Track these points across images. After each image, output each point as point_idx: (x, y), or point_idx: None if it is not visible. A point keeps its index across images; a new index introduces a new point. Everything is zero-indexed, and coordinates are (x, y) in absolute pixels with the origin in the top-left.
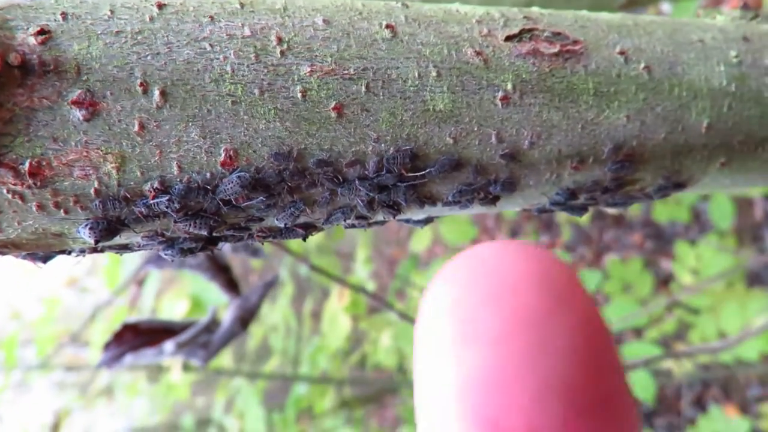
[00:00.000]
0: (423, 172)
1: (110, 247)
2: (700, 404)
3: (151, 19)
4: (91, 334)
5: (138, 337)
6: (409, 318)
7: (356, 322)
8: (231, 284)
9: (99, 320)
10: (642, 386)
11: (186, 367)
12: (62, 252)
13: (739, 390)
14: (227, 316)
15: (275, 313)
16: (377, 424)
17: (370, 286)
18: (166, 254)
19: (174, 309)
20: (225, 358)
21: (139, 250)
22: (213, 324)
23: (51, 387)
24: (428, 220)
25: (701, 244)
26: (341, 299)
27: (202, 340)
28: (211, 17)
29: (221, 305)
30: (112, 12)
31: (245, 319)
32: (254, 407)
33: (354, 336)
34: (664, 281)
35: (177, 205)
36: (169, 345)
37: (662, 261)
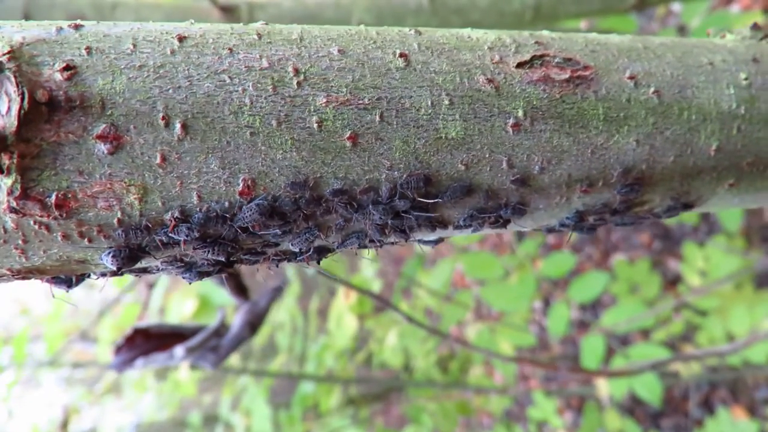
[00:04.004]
0: (435, 200)
1: (130, 271)
2: (708, 406)
3: (173, 52)
4: (99, 331)
5: (149, 341)
6: (414, 320)
7: (362, 320)
8: (240, 289)
9: (107, 317)
10: (649, 388)
11: (194, 366)
12: (83, 276)
13: (747, 392)
14: (236, 320)
15: (282, 311)
16: (383, 423)
17: (376, 284)
18: (184, 277)
19: (182, 308)
20: (232, 356)
21: (157, 272)
22: (222, 328)
23: (60, 382)
24: (439, 241)
25: (709, 246)
26: (347, 298)
27: (212, 344)
28: (230, 49)
29: (229, 305)
30: (134, 46)
31: (254, 323)
32: (261, 406)
33: (360, 334)
34: (672, 282)
35: (196, 234)
36: (179, 350)
37: (670, 261)
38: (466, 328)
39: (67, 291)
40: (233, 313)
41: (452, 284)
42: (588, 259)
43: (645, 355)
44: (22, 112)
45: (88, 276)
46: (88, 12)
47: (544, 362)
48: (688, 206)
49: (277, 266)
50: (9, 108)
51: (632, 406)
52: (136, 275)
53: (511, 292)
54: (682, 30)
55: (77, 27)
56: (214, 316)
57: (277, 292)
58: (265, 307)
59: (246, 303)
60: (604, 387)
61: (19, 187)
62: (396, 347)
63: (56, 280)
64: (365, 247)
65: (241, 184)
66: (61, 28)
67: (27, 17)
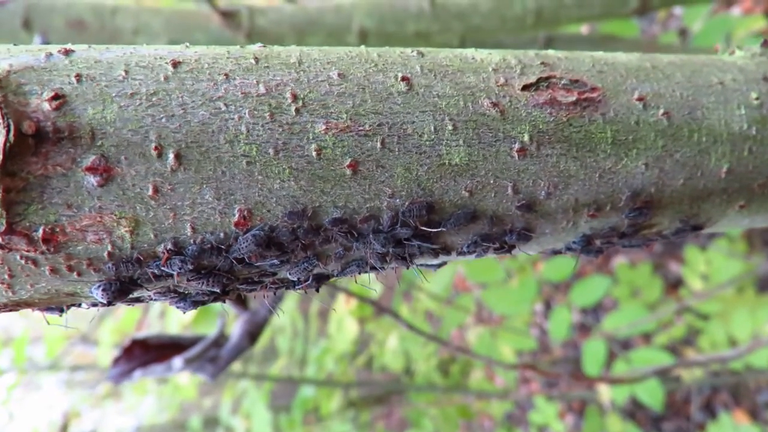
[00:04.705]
0: (438, 230)
1: (122, 302)
2: (709, 409)
3: (166, 78)
4: (100, 334)
5: (147, 352)
6: (414, 328)
7: (363, 323)
8: (239, 299)
9: (108, 320)
10: (651, 392)
11: None
12: (73, 305)
13: (749, 395)
14: (236, 330)
15: (282, 314)
16: (384, 426)
17: (377, 288)
18: (178, 307)
19: (182, 313)
20: None
21: (150, 302)
22: (221, 338)
23: (60, 385)
24: (441, 265)
25: (711, 249)
26: (348, 302)
27: (211, 354)
28: (226, 75)
29: (229, 312)
30: (126, 72)
31: (254, 333)
32: (261, 410)
33: (361, 337)
34: (674, 286)
35: (190, 266)
36: (177, 361)
37: (672, 265)
38: (467, 331)
39: (60, 316)
40: (233, 320)
41: (453, 287)
42: (589, 263)
43: (647, 359)
44: (8, 145)
45: (79, 305)
46: (88, 17)
47: (546, 370)
48: (697, 228)
49: (275, 294)
50: None
51: (633, 410)
52: (129, 305)
53: (512, 296)
54: (683, 33)
55: (67, 52)
56: (214, 322)
57: (277, 302)
58: (264, 316)
59: (245, 312)
60: (605, 391)
61: (4, 222)
62: (397, 350)
63: (47, 308)
64: (366, 272)
65: (237, 215)
66: (51, 54)
67: (27, 22)
